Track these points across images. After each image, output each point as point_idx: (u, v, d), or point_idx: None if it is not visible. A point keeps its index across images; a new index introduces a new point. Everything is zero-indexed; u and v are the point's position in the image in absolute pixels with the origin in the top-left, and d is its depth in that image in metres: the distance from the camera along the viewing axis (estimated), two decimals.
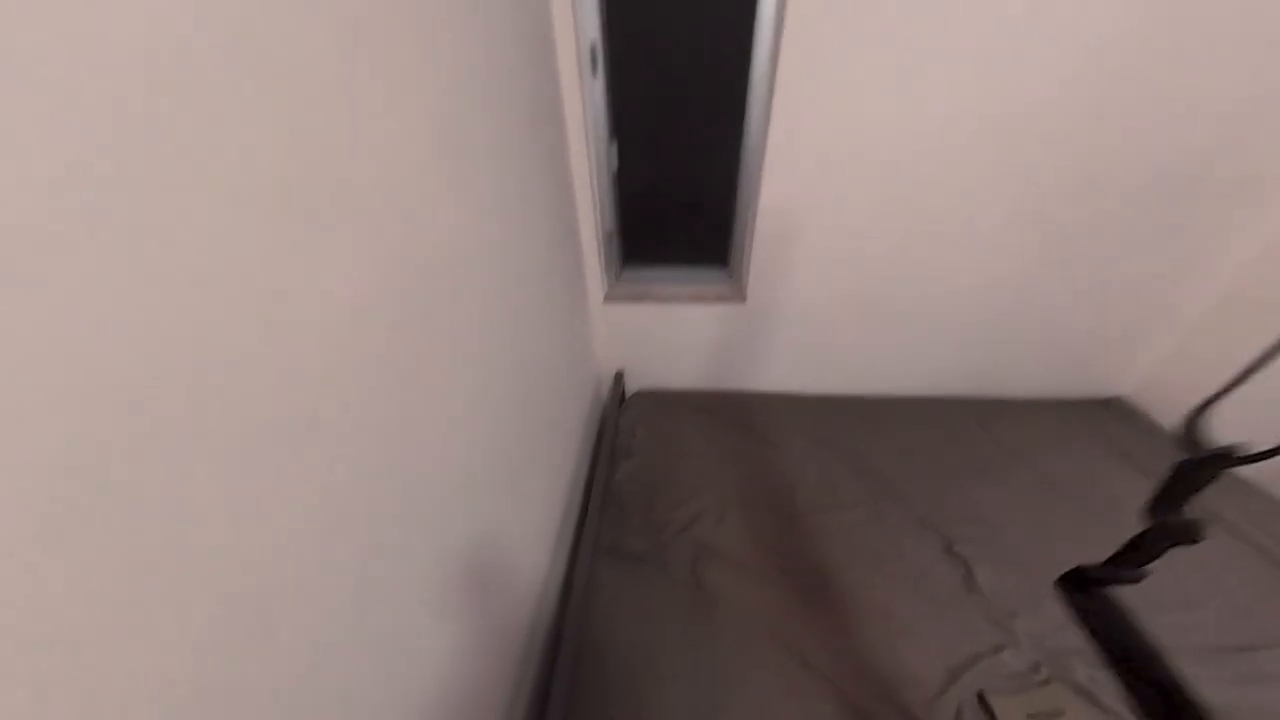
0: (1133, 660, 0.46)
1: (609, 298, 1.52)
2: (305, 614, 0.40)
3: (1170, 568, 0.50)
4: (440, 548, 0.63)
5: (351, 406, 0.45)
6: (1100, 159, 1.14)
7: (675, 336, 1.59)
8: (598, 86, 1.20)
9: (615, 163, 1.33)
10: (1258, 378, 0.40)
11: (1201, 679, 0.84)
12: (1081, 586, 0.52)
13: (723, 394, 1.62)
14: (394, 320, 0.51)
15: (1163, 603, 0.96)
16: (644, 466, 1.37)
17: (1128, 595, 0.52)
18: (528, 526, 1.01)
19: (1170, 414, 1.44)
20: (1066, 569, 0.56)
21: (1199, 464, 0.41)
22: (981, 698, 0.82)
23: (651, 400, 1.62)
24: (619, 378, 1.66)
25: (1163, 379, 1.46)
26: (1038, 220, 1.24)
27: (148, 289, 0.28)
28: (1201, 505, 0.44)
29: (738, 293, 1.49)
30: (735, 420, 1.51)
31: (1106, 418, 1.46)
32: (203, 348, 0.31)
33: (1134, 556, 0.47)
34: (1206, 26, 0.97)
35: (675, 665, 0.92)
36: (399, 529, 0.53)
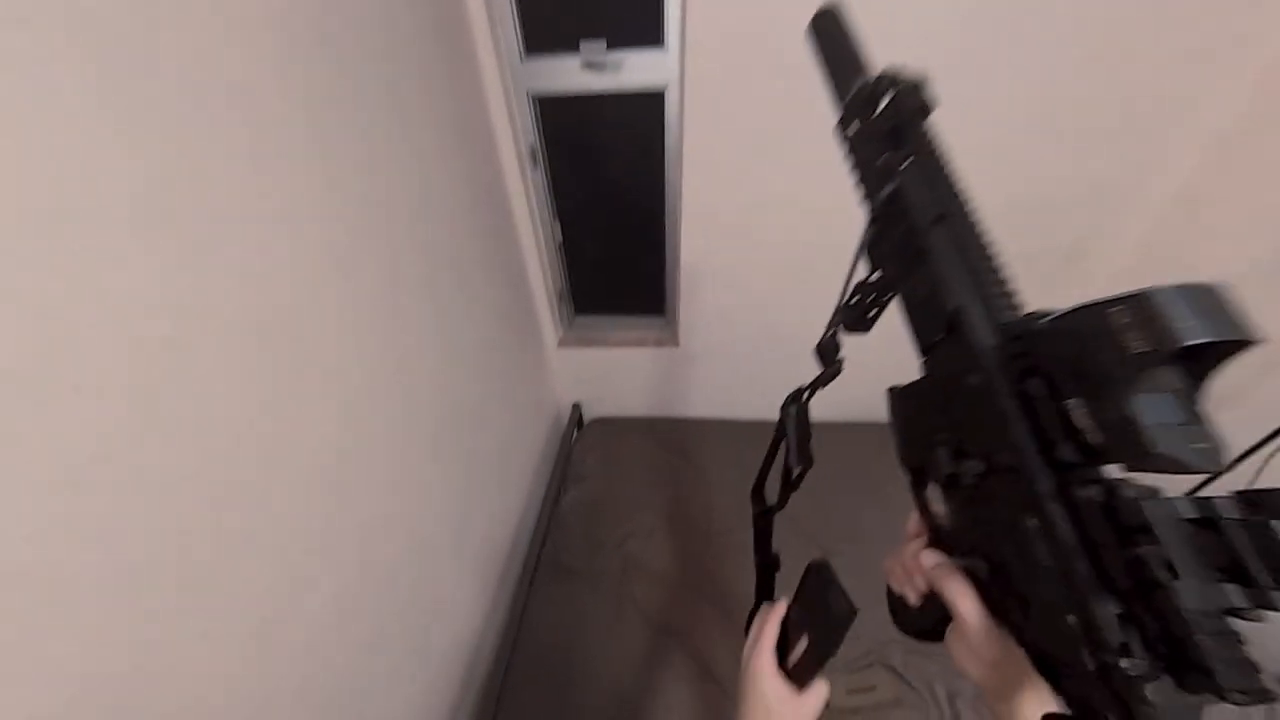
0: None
1: (562, 343, 1.77)
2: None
3: None
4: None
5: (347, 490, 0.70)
6: None
7: (623, 373, 1.83)
8: (539, 177, 1.44)
9: (560, 236, 1.57)
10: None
11: None
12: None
13: (665, 420, 1.87)
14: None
15: None
16: (591, 489, 1.62)
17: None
18: (478, 547, 1.26)
19: None
20: None
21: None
22: None
23: (605, 429, 1.86)
24: (575, 409, 1.92)
25: None
26: None
27: None
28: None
29: (672, 337, 1.74)
30: (673, 445, 1.75)
31: None
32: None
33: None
34: (1032, 126, 1.19)
35: (600, 672, 1.15)
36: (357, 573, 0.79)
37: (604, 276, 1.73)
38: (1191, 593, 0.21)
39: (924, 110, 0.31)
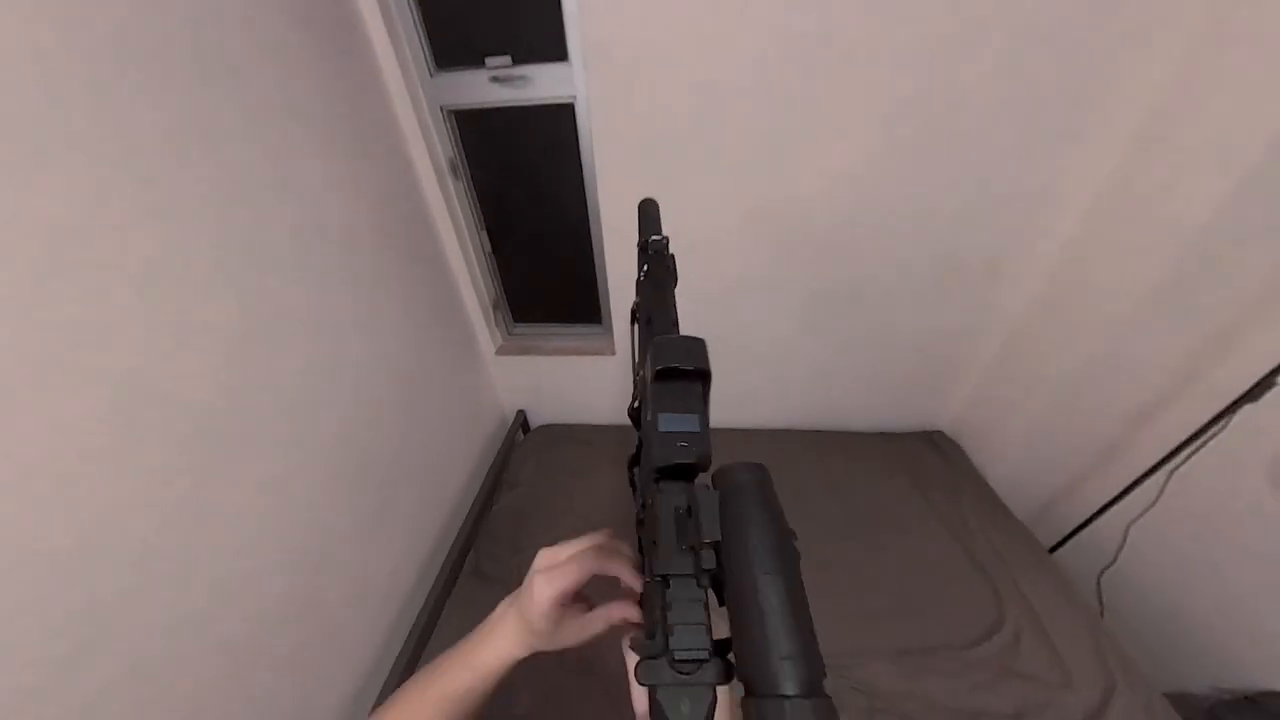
0: None
1: (501, 351, 1.78)
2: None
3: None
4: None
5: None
6: (877, 245, 1.36)
7: (564, 381, 1.84)
8: (461, 189, 1.45)
9: (489, 246, 1.59)
10: None
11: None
12: None
13: (607, 428, 1.88)
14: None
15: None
16: (524, 495, 1.64)
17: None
18: (395, 556, 1.29)
19: (975, 444, 1.66)
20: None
21: None
22: None
23: (547, 435, 1.88)
24: (519, 415, 1.93)
25: (967, 415, 1.69)
26: (829, 289, 1.47)
27: None
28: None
29: (609, 345, 1.74)
30: (608, 453, 1.76)
31: (924, 449, 1.69)
32: None
33: None
34: (943, 145, 1.18)
35: (512, 684, 1.17)
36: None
37: (540, 285, 1.74)
38: (666, 558, 0.26)
39: (663, 251, 0.52)
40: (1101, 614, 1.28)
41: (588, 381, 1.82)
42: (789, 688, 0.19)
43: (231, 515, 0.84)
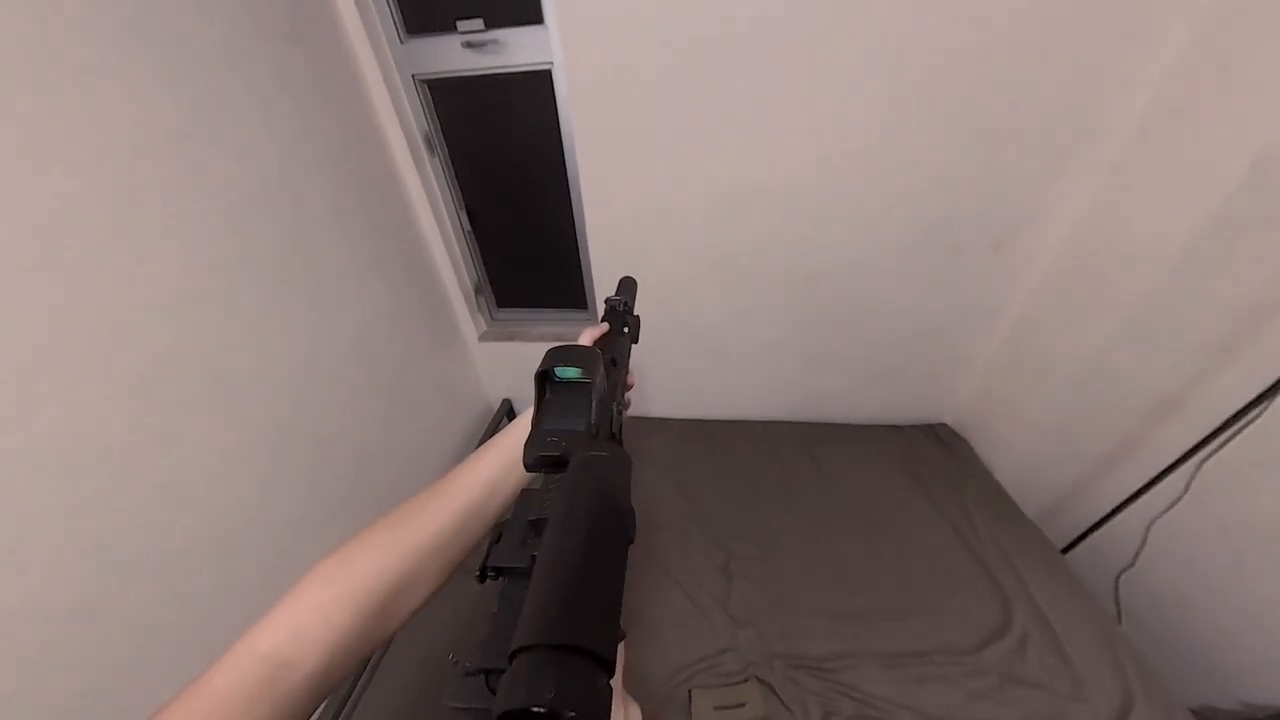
0: None
1: (484, 337, 1.72)
2: None
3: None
4: None
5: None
6: (871, 223, 1.27)
7: None
8: (437, 165, 1.39)
9: (468, 226, 1.52)
10: None
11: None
12: None
13: None
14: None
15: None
16: None
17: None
18: None
19: (981, 437, 1.56)
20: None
21: None
22: (689, 693, 1.00)
23: None
24: (504, 404, 1.87)
25: (974, 407, 1.58)
26: (827, 274, 1.38)
27: None
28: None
29: None
30: None
31: (927, 442, 1.59)
32: None
33: None
34: (945, 118, 1.09)
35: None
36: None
37: (524, 269, 1.67)
38: (502, 550, 0.27)
39: (623, 313, 0.57)
40: (1119, 619, 1.18)
41: None
42: (538, 638, 0.16)
43: (194, 501, 0.79)
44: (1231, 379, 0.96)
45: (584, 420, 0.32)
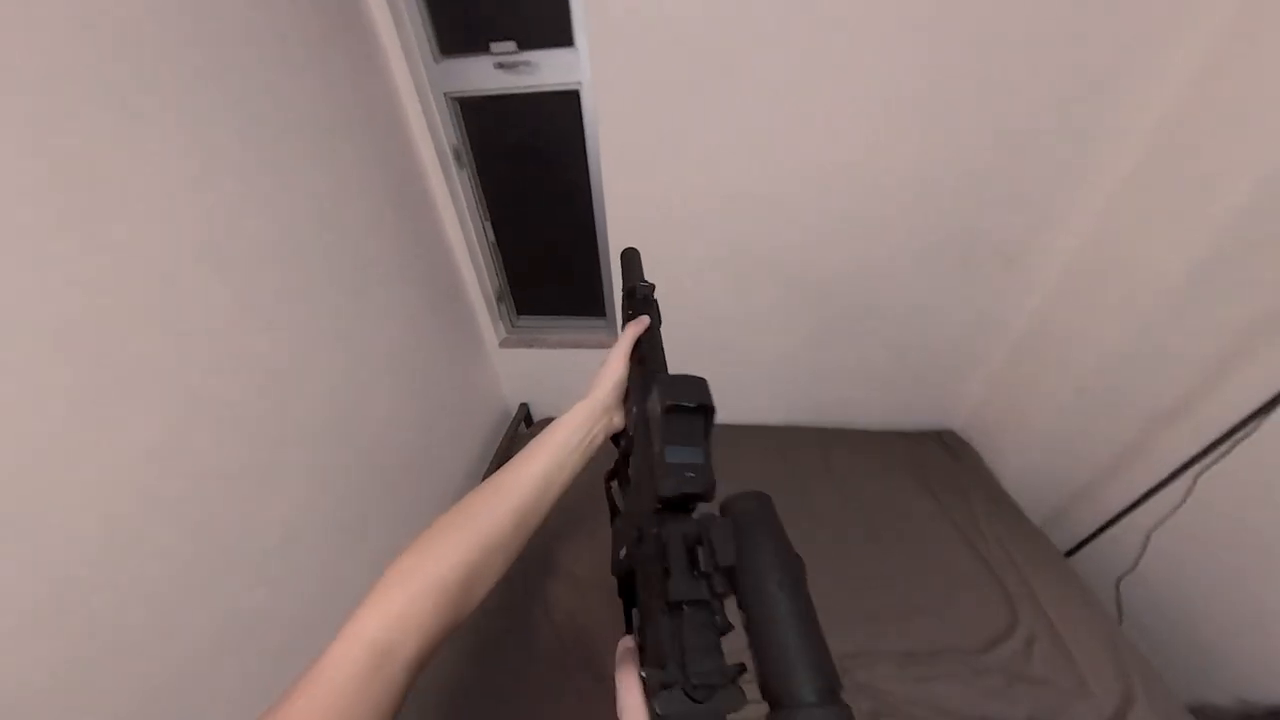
0: None
1: (504, 344, 1.77)
2: None
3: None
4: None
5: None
6: (887, 237, 1.32)
7: (568, 374, 1.82)
8: (465, 178, 1.44)
9: (492, 237, 1.57)
10: None
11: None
12: None
13: None
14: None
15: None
16: None
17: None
18: (399, 545, 1.28)
19: (988, 444, 1.61)
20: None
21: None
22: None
23: None
24: (522, 408, 1.92)
25: (980, 415, 1.63)
26: (842, 287, 1.43)
27: None
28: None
29: (612, 339, 1.71)
30: (607, 445, 1.74)
31: (935, 448, 1.64)
32: None
33: None
34: (955, 130, 1.14)
35: (499, 670, 1.13)
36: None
37: (544, 278, 1.72)
38: (679, 585, 0.27)
39: (649, 299, 0.56)
40: (1120, 621, 1.23)
41: (590, 375, 1.80)
42: (809, 697, 0.21)
43: (228, 504, 0.83)
44: (1229, 394, 1.02)
45: (703, 450, 0.34)
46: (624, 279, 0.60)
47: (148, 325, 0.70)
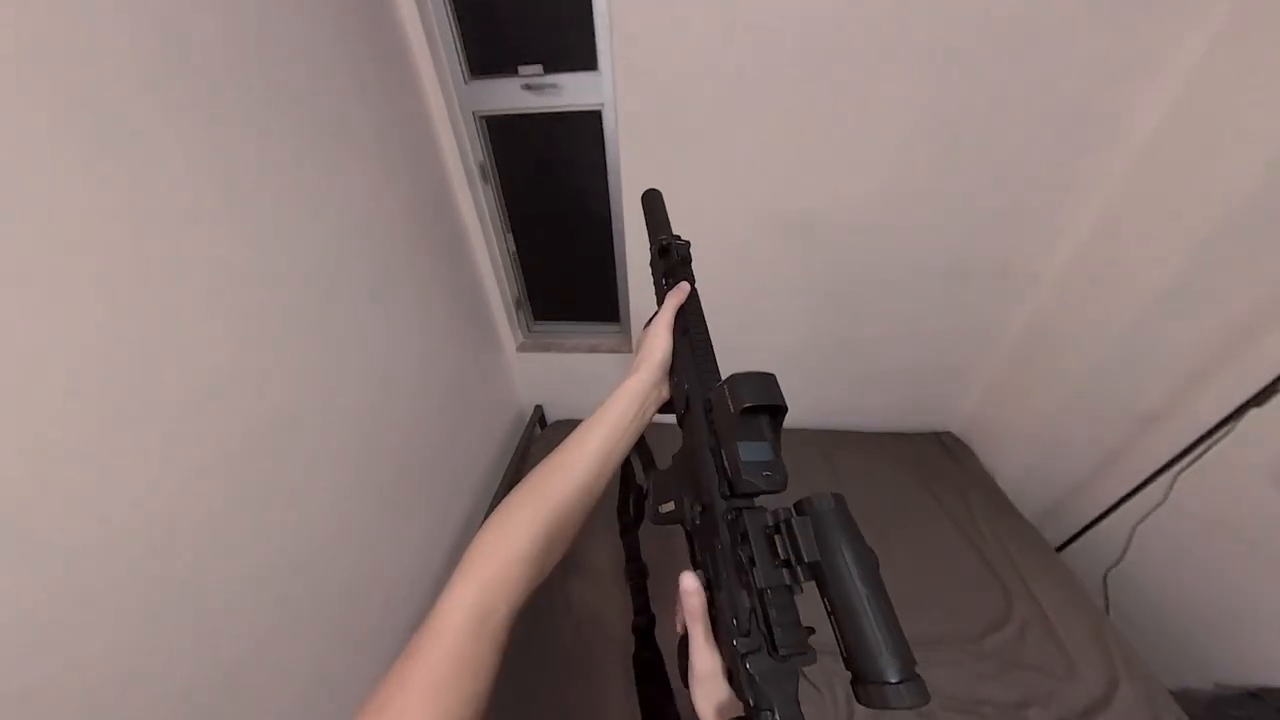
0: None
1: (521, 348, 1.84)
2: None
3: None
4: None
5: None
6: (889, 249, 1.40)
7: (582, 378, 1.90)
8: (490, 192, 1.51)
9: (513, 248, 1.64)
10: None
11: None
12: None
13: None
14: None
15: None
16: None
17: None
18: (418, 543, 1.34)
19: (985, 445, 1.70)
20: None
21: None
22: None
23: (564, 430, 1.93)
24: (537, 410, 1.99)
25: (977, 418, 1.72)
26: (842, 292, 1.51)
27: None
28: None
29: (626, 344, 1.79)
30: None
31: (934, 449, 1.72)
32: None
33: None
34: (959, 151, 1.22)
35: (524, 660, 1.19)
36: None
37: (561, 285, 1.80)
38: (766, 573, 0.30)
39: (688, 259, 0.55)
40: (1107, 610, 1.31)
41: (604, 378, 1.88)
42: (891, 675, 0.25)
43: (287, 501, 0.90)
44: (1206, 399, 1.10)
45: (772, 445, 0.35)
46: (650, 231, 0.56)
47: (227, 341, 0.77)
